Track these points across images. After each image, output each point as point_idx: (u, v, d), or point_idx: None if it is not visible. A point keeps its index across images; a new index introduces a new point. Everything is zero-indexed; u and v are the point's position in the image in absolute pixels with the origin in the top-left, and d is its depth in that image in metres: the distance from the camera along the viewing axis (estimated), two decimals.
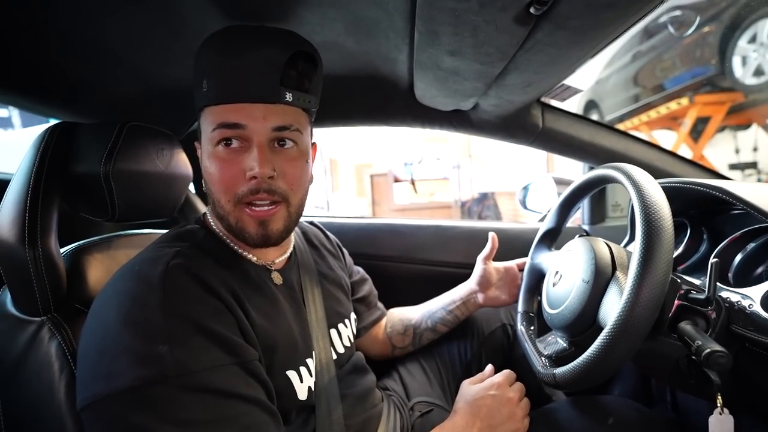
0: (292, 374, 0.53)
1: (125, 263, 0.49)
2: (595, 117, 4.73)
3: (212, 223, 0.57)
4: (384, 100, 0.90)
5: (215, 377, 0.41)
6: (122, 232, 0.69)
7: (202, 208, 0.88)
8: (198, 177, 0.93)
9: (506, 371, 0.67)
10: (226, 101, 0.49)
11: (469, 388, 0.65)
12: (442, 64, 0.60)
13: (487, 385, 0.64)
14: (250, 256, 0.57)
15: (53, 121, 0.62)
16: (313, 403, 0.55)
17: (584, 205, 1.16)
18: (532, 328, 0.75)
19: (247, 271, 0.54)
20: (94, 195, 0.58)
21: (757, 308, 0.50)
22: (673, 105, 3.71)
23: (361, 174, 6.02)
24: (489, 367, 0.70)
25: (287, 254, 0.63)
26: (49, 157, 0.56)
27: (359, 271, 0.85)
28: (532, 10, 0.43)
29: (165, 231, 0.72)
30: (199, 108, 0.52)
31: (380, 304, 0.88)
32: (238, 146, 0.50)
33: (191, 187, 0.84)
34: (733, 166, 4.29)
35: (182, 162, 0.72)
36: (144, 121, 0.65)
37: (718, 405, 0.48)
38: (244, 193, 0.50)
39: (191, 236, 0.54)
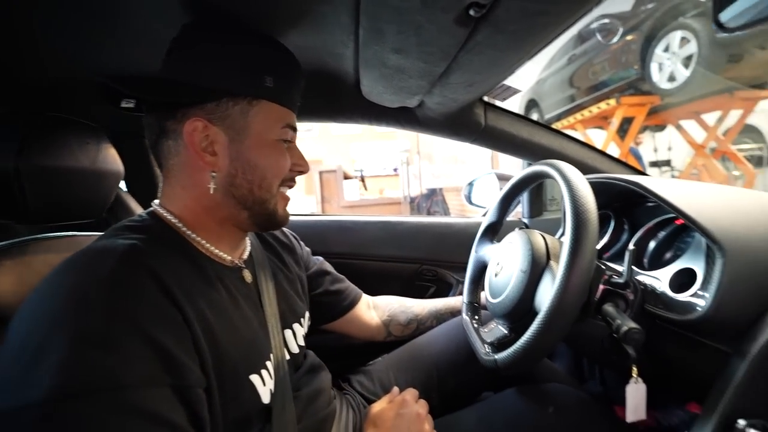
0: (255, 378, 0.51)
1: (69, 257, 0.43)
2: (535, 116, 5.02)
3: (169, 216, 0.52)
4: (331, 96, 0.89)
5: (145, 397, 0.36)
6: (40, 236, 0.62)
7: (136, 207, 0.82)
8: (132, 173, 0.87)
9: (410, 389, 0.70)
10: (288, 106, 0.56)
11: (377, 411, 0.67)
12: (388, 62, 0.60)
13: (393, 404, 0.66)
14: (219, 252, 0.54)
15: None
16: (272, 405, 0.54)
17: (524, 199, 1.23)
18: (476, 317, 0.78)
19: (212, 269, 0.51)
20: (1, 194, 0.52)
21: (665, 289, 0.56)
22: (603, 105, 4.04)
23: (309, 171, 5.93)
24: (395, 389, 0.72)
25: (248, 252, 0.61)
26: None
27: (317, 261, 0.83)
28: (471, 12, 0.45)
29: (96, 233, 0.66)
30: (245, 96, 0.52)
31: (351, 286, 0.86)
32: (288, 143, 0.57)
33: (122, 185, 0.78)
34: (653, 164, 4.78)
35: (111, 157, 0.66)
36: (65, 112, 0.59)
37: (634, 375, 0.53)
38: (287, 179, 0.57)
39: (147, 229, 0.49)
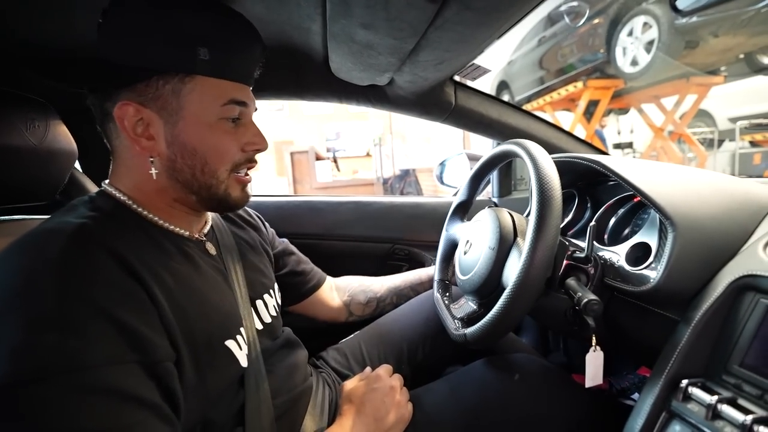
0: (231, 344, 0.51)
1: (16, 239, 0.41)
2: (506, 97, 5.07)
3: (119, 195, 0.49)
4: (298, 73, 0.87)
5: (110, 376, 0.36)
6: None
7: (92, 187, 0.78)
8: (86, 152, 0.82)
9: (385, 365, 0.72)
10: (234, 79, 0.50)
11: (351, 387, 0.67)
12: (356, 37, 0.59)
13: (366, 380, 0.67)
14: (175, 228, 0.52)
15: None
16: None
17: (494, 178, 1.25)
18: (447, 294, 0.80)
19: (170, 242, 0.50)
20: None
21: (622, 263, 0.60)
22: (570, 87, 4.13)
23: (281, 152, 5.77)
24: (368, 368, 0.73)
25: (209, 226, 0.60)
26: None
27: (282, 242, 0.82)
28: None
29: (47, 216, 0.62)
30: (175, 72, 0.46)
31: (315, 268, 0.87)
32: (238, 121, 0.52)
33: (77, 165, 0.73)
34: (616, 146, 4.97)
35: (62, 136, 0.62)
36: (7, 85, 0.54)
37: (593, 344, 0.57)
38: (240, 162, 0.53)
39: (98, 208, 0.47)
